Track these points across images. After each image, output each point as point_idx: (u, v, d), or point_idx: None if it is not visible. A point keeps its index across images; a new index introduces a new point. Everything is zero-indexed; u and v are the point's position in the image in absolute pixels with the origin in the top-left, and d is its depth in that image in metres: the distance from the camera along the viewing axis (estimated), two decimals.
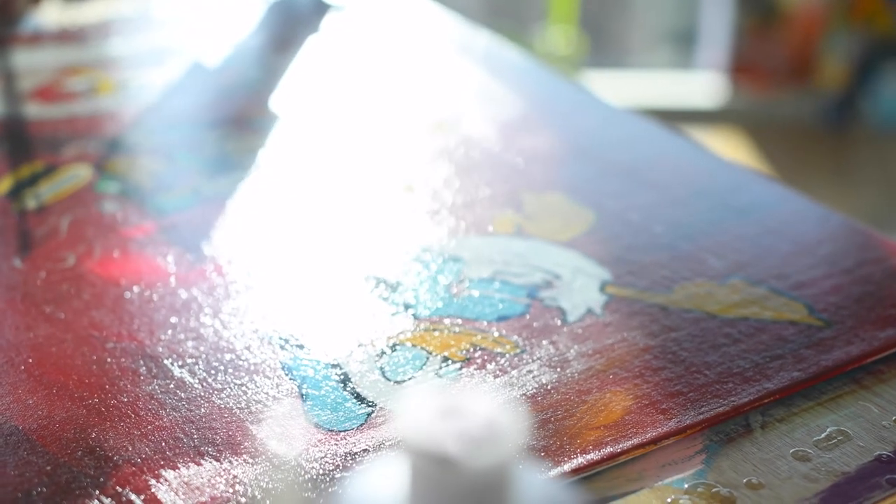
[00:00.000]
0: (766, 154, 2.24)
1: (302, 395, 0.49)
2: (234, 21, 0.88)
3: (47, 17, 0.88)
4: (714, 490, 0.44)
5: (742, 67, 2.41)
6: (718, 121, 2.36)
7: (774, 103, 2.39)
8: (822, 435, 0.48)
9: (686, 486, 0.45)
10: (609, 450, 0.46)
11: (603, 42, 2.42)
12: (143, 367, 0.50)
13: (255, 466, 0.45)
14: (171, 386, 0.49)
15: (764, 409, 0.49)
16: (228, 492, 0.44)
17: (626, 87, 2.34)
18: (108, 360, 0.51)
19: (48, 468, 0.45)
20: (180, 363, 0.51)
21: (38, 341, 0.52)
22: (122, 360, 0.51)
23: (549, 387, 0.49)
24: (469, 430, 0.27)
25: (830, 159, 2.25)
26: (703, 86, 2.41)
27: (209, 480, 0.44)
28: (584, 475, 0.45)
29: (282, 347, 0.52)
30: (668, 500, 0.44)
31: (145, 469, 0.45)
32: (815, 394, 0.50)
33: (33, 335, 0.52)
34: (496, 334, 0.52)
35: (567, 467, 0.45)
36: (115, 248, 0.59)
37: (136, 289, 0.56)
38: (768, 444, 0.47)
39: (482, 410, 0.27)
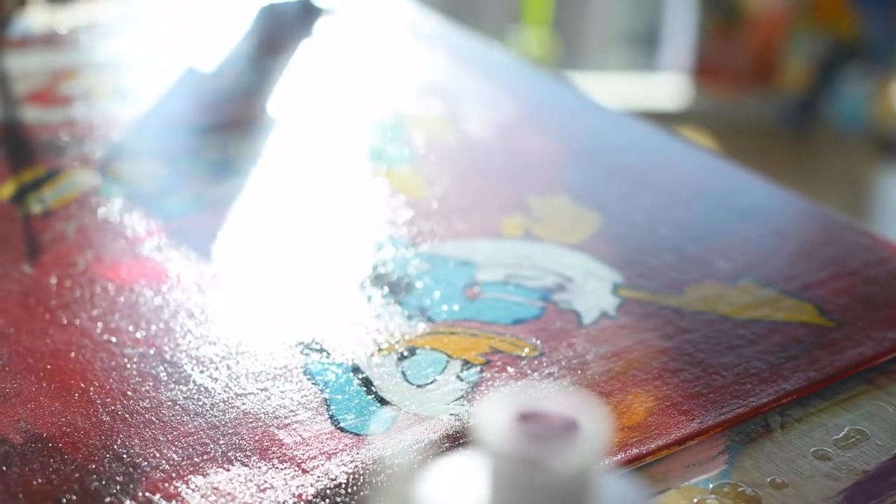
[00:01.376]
0: (729, 155, 2.27)
1: (326, 399, 0.49)
2: (223, 23, 0.87)
3: (34, 20, 0.87)
4: (740, 490, 0.45)
5: (705, 69, 2.44)
6: (681, 122, 2.38)
7: (737, 105, 2.42)
8: (841, 434, 0.49)
9: (711, 486, 0.45)
10: (634, 451, 0.46)
11: (565, 44, 2.44)
12: (164, 373, 0.50)
13: (284, 472, 0.45)
14: (194, 391, 0.49)
15: (782, 410, 0.50)
16: (259, 497, 0.44)
17: (589, 89, 2.35)
18: (128, 365, 0.51)
19: (76, 475, 0.44)
20: (200, 368, 0.51)
21: (56, 347, 0.52)
22: (142, 365, 0.51)
23: (570, 389, 0.50)
24: (551, 431, 0.27)
25: (793, 160, 2.28)
26: (666, 87, 2.43)
27: (239, 486, 0.44)
28: None
29: (301, 352, 0.52)
30: (695, 500, 0.45)
31: (174, 475, 0.45)
32: (830, 394, 0.51)
33: (50, 341, 0.52)
34: (514, 337, 0.53)
35: None
36: (125, 253, 0.59)
37: (149, 294, 0.55)
38: (788, 443, 0.48)
39: (563, 411, 0.27)
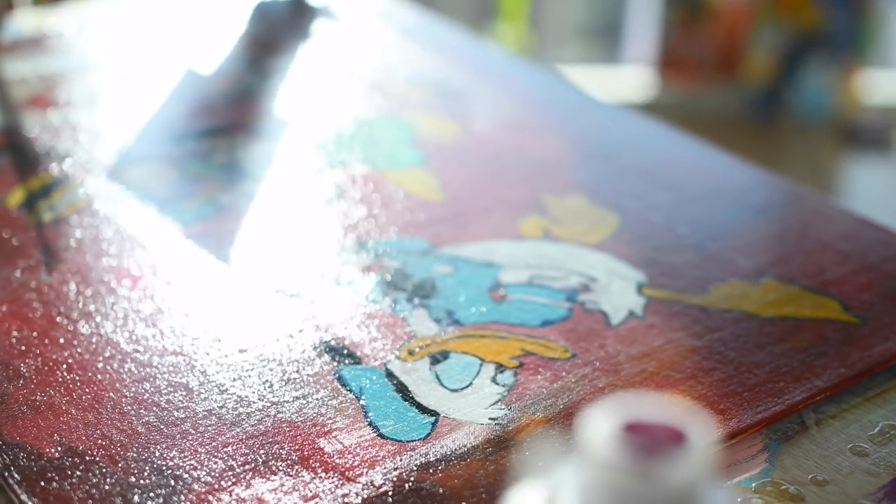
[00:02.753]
0: None
1: (363, 406, 0.48)
2: (215, 23, 0.87)
3: (23, 23, 0.86)
4: (783, 488, 0.45)
5: (669, 61, 2.45)
6: (646, 114, 2.39)
7: (702, 96, 2.43)
8: (875, 430, 0.49)
9: (754, 485, 0.46)
10: None
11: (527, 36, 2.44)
12: (195, 382, 0.50)
13: (328, 481, 0.44)
14: (228, 400, 0.49)
15: (815, 407, 0.50)
16: None
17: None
18: (157, 375, 0.50)
19: (118, 489, 0.44)
20: (233, 377, 0.50)
21: (83, 358, 0.51)
22: (172, 375, 0.50)
23: (606, 391, 0.50)
24: (658, 442, 0.27)
25: (758, 150, 2.30)
26: (630, 80, 2.44)
27: (285, 496, 0.44)
28: None
29: (332, 358, 0.51)
30: (739, 499, 0.45)
31: (218, 487, 0.44)
32: (861, 390, 0.51)
33: (76, 352, 0.51)
34: (544, 339, 0.53)
35: None
36: (143, 260, 0.58)
37: (171, 301, 0.55)
38: (825, 440, 0.48)
39: (669, 421, 0.27)
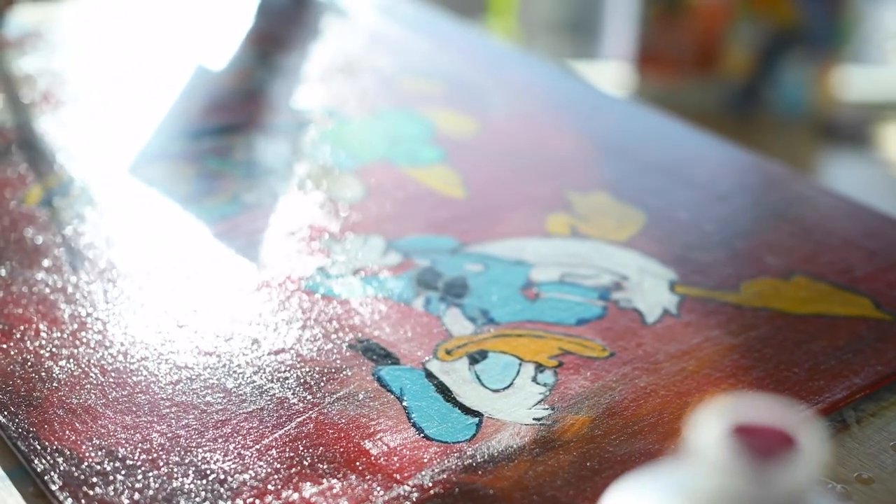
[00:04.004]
0: None
1: (406, 407, 0.48)
2: (221, 18, 0.85)
3: (24, 18, 0.84)
4: (828, 486, 0.45)
5: (647, 57, 2.45)
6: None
7: (680, 92, 2.44)
8: None
9: None
10: None
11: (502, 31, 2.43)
12: (232, 384, 0.49)
13: (377, 483, 0.44)
14: (268, 402, 0.48)
15: (855, 405, 0.50)
16: None
17: None
18: (193, 377, 0.49)
19: (163, 494, 0.43)
20: (270, 378, 0.49)
21: (116, 360, 0.50)
22: (208, 376, 0.49)
23: (648, 389, 0.49)
24: (769, 445, 0.26)
25: (736, 145, 2.31)
26: (608, 75, 2.44)
27: (334, 500, 0.43)
28: None
29: (369, 358, 0.51)
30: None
31: (265, 491, 0.43)
32: None
33: (108, 353, 0.50)
34: (581, 338, 0.52)
35: None
36: (169, 260, 0.57)
37: (202, 301, 0.54)
38: (867, 438, 0.48)
39: (779, 425, 0.27)
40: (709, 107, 2.41)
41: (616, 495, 0.29)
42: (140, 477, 0.44)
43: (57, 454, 0.45)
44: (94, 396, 0.48)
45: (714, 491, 0.26)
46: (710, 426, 0.27)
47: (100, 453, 0.45)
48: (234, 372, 0.50)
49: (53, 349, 0.50)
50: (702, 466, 0.26)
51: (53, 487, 0.43)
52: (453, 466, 0.45)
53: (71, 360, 0.50)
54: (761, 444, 0.26)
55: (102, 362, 0.50)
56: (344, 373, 0.50)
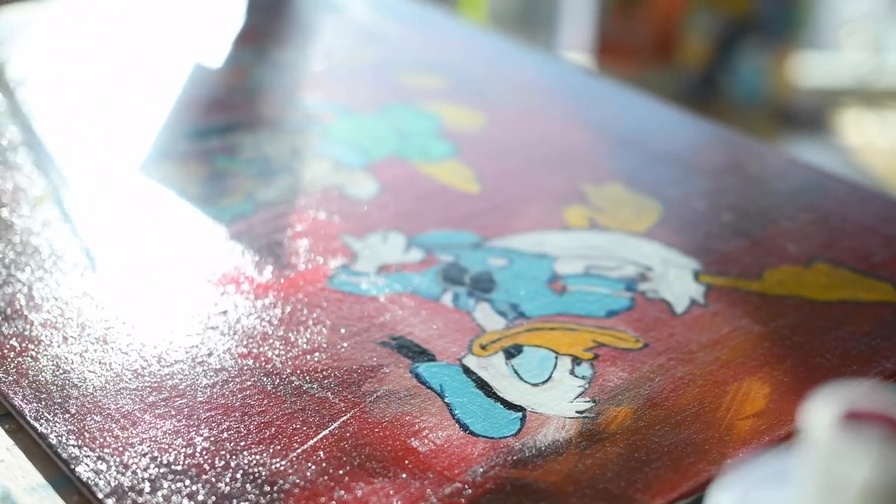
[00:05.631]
0: None
1: (448, 404, 0.48)
2: (211, 14, 0.85)
3: (15, 16, 0.83)
4: None
5: (606, 47, 2.46)
6: None
7: (639, 81, 2.45)
8: None
9: None
10: (767, 438, 0.47)
11: None
12: (270, 385, 0.48)
13: (428, 481, 0.44)
14: (309, 403, 0.47)
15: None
16: None
17: None
18: (229, 379, 0.49)
19: (213, 499, 0.42)
20: (308, 378, 0.49)
21: (148, 363, 0.49)
22: (246, 378, 0.49)
23: (685, 379, 0.50)
24: (881, 429, 0.27)
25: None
26: None
27: (387, 499, 0.43)
28: None
29: (404, 355, 0.50)
30: None
31: (317, 492, 0.43)
32: None
33: (141, 357, 0.50)
34: (613, 330, 0.52)
35: (732, 459, 0.45)
36: (191, 261, 0.56)
37: (230, 301, 0.53)
38: None
39: (888, 410, 0.27)
40: (667, 95, 2.43)
41: (728, 483, 0.29)
42: (188, 482, 0.43)
43: (100, 461, 0.44)
44: (130, 402, 0.47)
45: (828, 477, 0.27)
46: (822, 412, 0.27)
47: (144, 459, 0.44)
48: (271, 373, 0.49)
49: (83, 355, 0.50)
50: (815, 453, 0.27)
51: (101, 495, 0.42)
52: (502, 462, 0.45)
53: (103, 366, 0.49)
54: (873, 429, 0.27)
55: (135, 366, 0.49)
56: (382, 371, 0.49)
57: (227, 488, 0.43)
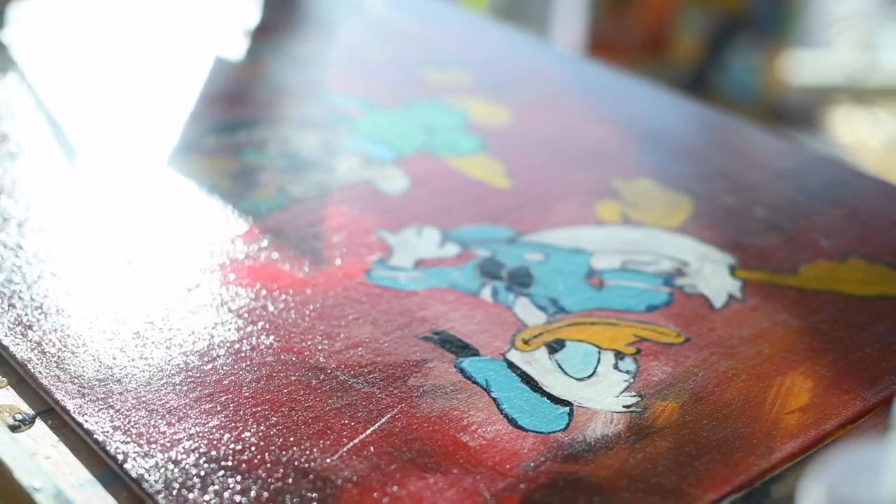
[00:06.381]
0: None
1: (495, 399, 0.48)
2: (227, 9, 0.84)
3: (26, 12, 0.82)
4: None
5: (598, 45, 2.47)
6: None
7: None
8: None
9: None
10: (813, 433, 0.47)
11: None
12: (315, 380, 0.48)
13: (480, 476, 0.43)
14: (356, 398, 0.47)
15: None
16: (466, 503, 0.42)
17: None
18: (273, 374, 0.48)
19: (265, 495, 0.42)
20: (353, 373, 0.49)
21: (188, 358, 0.49)
22: (290, 373, 0.48)
23: (729, 374, 0.50)
24: None
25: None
26: None
27: (442, 494, 0.42)
28: (797, 460, 0.46)
29: (448, 350, 0.50)
30: None
31: (370, 488, 0.43)
32: None
33: (181, 352, 0.49)
34: (654, 325, 0.52)
35: (780, 454, 0.45)
36: (228, 255, 0.56)
37: (269, 296, 0.53)
38: None
39: None
40: None
41: (819, 476, 0.29)
42: (239, 478, 0.43)
43: (149, 457, 0.44)
44: (175, 397, 0.47)
45: None
46: None
47: (193, 455, 0.44)
48: (315, 368, 0.49)
49: (124, 350, 0.49)
50: None
51: (152, 491, 0.42)
52: (553, 456, 0.45)
53: (144, 361, 0.49)
54: None
55: (176, 362, 0.49)
56: (426, 365, 0.49)
57: (280, 484, 0.43)
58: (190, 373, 0.48)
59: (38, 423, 0.46)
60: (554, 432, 0.46)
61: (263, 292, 0.53)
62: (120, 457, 0.43)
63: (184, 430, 0.45)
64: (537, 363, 0.50)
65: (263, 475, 0.43)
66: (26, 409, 0.47)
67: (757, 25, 2.39)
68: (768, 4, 2.38)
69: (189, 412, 0.46)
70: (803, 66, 2.41)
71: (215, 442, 0.44)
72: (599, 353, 0.50)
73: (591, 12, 2.44)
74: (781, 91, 2.40)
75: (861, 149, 2.26)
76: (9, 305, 0.51)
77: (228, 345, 0.50)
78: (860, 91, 2.37)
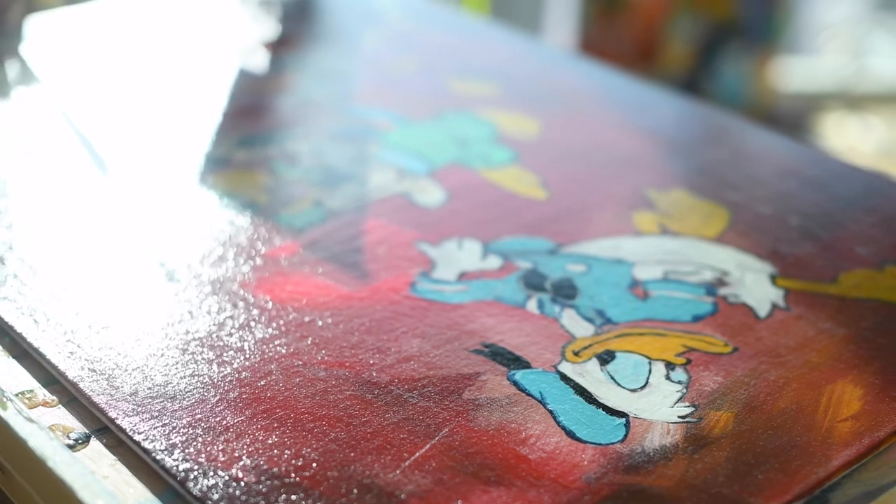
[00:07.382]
0: None
1: (551, 411, 0.48)
2: (245, 22, 0.84)
3: (46, 24, 0.82)
4: None
5: (589, 52, 2.47)
6: None
7: None
8: None
9: None
10: (867, 440, 0.47)
11: None
12: (370, 395, 0.48)
13: (545, 489, 0.43)
14: (412, 412, 0.47)
15: None
16: None
17: None
18: (328, 389, 0.48)
19: None
20: (406, 387, 0.49)
21: (240, 374, 0.49)
22: (344, 388, 0.48)
23: (779, 383, 0.50)
24: None
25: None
26: None
27: None
28: (851, 468, 0.46)
29: (499, 362, 0.50)
30: None
31: (434, 502, 0.43)
32: None
33: (232, 369, 0.49)
34: (702, 335, 0.52)
35: (837, 462, 0.46)
36: (267, 270, 0.56)
37: (312, 311, 0.53)
38: None
39: None
40: None
41: None
42: (302, 495, 0.43)
43: (210, 475, 0.43)
44: (230, 414, 0.47)
45: None
46: None
47: (254, 472, 0.44)
48: (369, 382, 0.49)
49: (173, 366, 0.49)
50: None
51: None
52: (614, 468, 0.45)
53: (194, 378, 0.49)
54: None
55: (228, 378, 0.49)
56: (479, 378, 0.49)
57: (344, 500, 0.43)
58: (243, 389, 0.48)
59: (93, 441, 0.46)
60: (612, 444, 0.46)
61: (310, 307, 0.53)
62: (181, 475, 0.43)
63: (243, 446, 0.45)
64: (589, 374, 0.50)
65: (326, 491, 0.43)
66: (79, 427, 0.47)
67: (747, 32, 2.40)
68: (758, 12, 2.39)
69: (246, 429, 0.46)
70: (794, 73, 2.43)
71: (275, 458, 0.44)
72: (650, 363, 0.51)
73: (582, 19, 2.45)
74: (772, 98, 2.41)
75: (852, 155, 2.28)
76: (56, 324, 0.51)
77: (278, 360, 0.50)
78: (851, 97, 2.38)
